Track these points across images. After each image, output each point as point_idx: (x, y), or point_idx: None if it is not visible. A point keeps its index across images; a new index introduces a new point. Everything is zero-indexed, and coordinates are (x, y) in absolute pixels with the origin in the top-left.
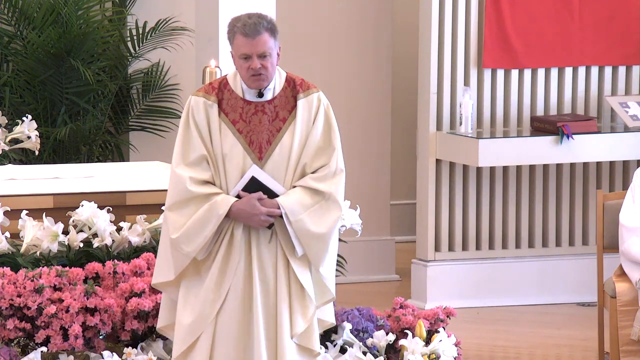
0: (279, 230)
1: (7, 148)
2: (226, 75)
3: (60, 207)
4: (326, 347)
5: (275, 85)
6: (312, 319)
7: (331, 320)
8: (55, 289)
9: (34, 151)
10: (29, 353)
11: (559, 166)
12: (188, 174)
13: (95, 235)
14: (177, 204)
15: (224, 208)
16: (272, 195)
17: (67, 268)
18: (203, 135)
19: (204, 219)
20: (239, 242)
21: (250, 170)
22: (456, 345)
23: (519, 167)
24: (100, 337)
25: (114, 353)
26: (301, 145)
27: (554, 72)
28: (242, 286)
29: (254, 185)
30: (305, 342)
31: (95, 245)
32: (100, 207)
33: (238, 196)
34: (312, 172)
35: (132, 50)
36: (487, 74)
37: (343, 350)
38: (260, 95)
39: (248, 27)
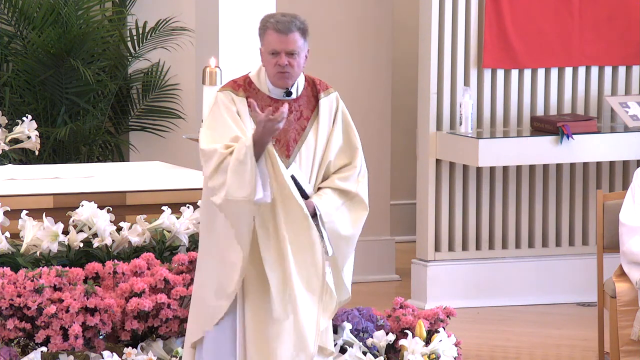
0: None
1: (7, 148)
2: (247, 74)
3: (60, 207)
4: None
5: (299, 84)
6: (331, 317)
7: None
8: (55, 289)
9: (34, 151)
10: (29, 353)
11: (559, 166)
12: (220, 145)
13: (95, 235)
14: (213, 170)
15: (248, 140)
16: (303, 194)
17: (67, 268)
18: (236, 123)
19: (239, 159)
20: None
21: (290, 168)
22: (456, 345)
23: (519, 167)
24: (100, 337)
25: (114, 353)
26: (323, 144)
27: (554, 72)
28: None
29: None
30: (322, 342)
31: (95, 245)
32: (100, 207)
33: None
34: (336, 171)
35: (132, 50)
36: (487, 74)
37: (343, 350)
38: (289, 94)
39: (281, 24)
